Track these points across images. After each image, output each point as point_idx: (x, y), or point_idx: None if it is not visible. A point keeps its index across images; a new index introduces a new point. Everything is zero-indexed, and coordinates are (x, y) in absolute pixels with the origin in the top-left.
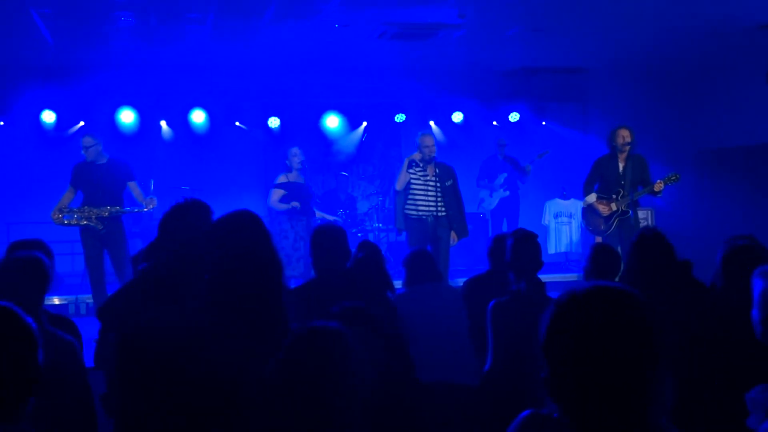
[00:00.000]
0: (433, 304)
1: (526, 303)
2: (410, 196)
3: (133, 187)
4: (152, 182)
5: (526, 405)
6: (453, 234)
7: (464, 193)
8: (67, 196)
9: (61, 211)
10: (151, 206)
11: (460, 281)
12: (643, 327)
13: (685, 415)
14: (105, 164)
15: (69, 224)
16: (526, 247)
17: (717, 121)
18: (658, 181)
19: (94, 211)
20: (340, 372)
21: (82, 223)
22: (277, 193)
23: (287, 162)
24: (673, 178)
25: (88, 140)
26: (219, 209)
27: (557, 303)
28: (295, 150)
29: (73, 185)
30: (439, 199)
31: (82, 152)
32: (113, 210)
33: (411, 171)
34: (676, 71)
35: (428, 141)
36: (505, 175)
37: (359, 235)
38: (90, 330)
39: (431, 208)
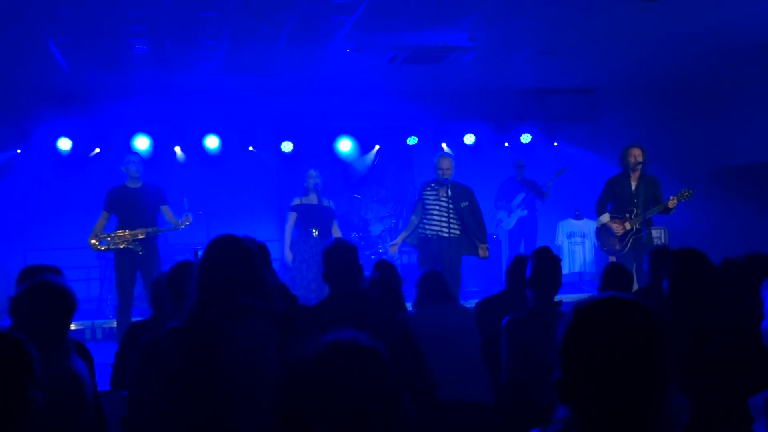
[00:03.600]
0: (445, 323)
1: (542, 321)
2: (423, 216)
3: (166, 210)
4: (185, 200)
5: (541, 421)
6: (482, 248)
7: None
8: (101, 222)
9: (96, 237)
10: (187, 223)
11: (473, 302)
12: (654, 337)
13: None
14: (140, 188)
15: (107, 249)
16: (549, 268)
17: (729, 139)
18: (671, 197)
19: (131, 233)
20: (380, 396)
21: (120, 246)
22: (291, 218)
23: (305, 184)
24: (686, 194)
25: (135, 157)
26: (234, 233)
27: (575, 308)
28: (311, 172)
29: (108, 210)
30: (451, 219)
31: (123, 168)
32: (149, 230)
33: (425, 193)
34: (687, 90)
35: (443, 163)
36: (523, 195)
37: (372, 257)
38: (106, 355)
39: (439, 228)
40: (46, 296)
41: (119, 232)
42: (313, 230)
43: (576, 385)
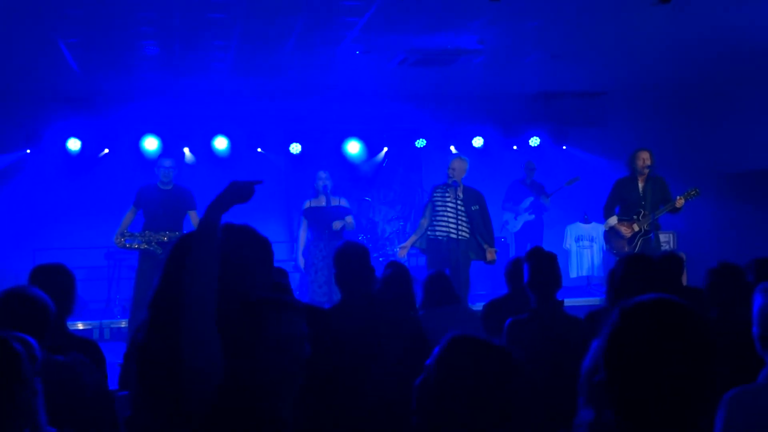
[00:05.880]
0: (451, 326)
1: (545, 322)
2: (433, 218)
3: (193, 216)
4: None
5: (547, 423)
6: (490, 251)
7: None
8: (129, 216)
9: (123, 235)
10: None
11: (481, 305)
12: (704, 339)
13: None
14: (170, 190)
15: (130, 248)
16: (544, 266)
17: (738, 144)
18: (678, 197)
19: (154, 236)
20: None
21: (142, 247)
22: (304, 223)
23: (315, 185)
24: (693, 192)
25: (168, 161)
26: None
27: (622, 310)
28: (321, 173)
29: (136, 205)
30: (461, 221)
31: (156, 170)
32: (172, 235)
33: (435, 195)
34: (695, 94)
35: (453, 164)
36: (531, 199)
37: (380, 260)
38: (115, 354)
39: (448, 230)
40: (19, 306)
41: (147, 233)
42: (334, 224)
43: (621, 387)
